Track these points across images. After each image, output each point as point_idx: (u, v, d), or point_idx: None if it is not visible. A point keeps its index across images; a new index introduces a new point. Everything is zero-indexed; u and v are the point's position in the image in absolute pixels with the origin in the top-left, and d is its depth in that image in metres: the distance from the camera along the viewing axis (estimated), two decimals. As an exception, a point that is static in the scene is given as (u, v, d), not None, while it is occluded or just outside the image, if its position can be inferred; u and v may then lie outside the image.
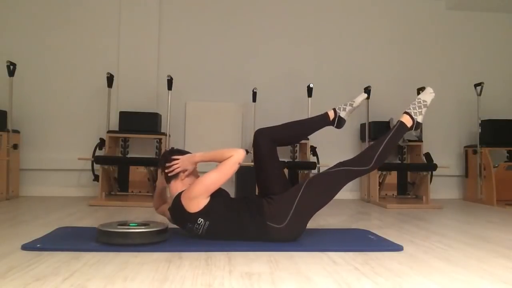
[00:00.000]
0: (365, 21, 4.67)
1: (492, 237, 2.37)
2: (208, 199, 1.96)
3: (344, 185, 2.13)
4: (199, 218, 1.93)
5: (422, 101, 2.26)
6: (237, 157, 1.97)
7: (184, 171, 2.08)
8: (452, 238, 2.32)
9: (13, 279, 1.41)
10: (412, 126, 2.23)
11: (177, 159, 2.08)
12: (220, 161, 2.00)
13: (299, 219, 2.02)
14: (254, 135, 2.24)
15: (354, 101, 2.34)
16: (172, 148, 2.27)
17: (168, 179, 2.10)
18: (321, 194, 2.08)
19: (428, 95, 2.28)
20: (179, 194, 1.98)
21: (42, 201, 3.61)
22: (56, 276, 1.45)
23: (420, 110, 2.24)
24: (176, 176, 2.08)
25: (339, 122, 2.34)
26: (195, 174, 2.13)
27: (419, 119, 2.23)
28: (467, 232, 2.50)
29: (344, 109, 2.33)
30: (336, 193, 2.12)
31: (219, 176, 1.95)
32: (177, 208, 1.97)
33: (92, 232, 2.22)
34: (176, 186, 2.07)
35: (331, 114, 2.36)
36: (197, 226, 1.95)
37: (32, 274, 1.46)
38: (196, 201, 1.92)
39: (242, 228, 1.99)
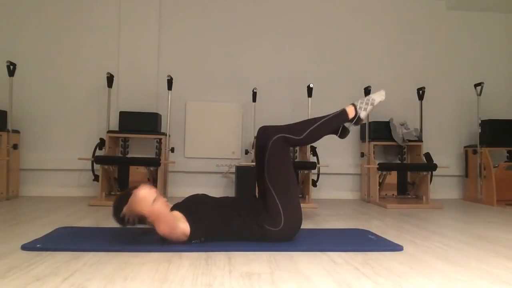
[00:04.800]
0: (365, 21, 4.67)
1: (492, 237, 2.37)
2: (187, 224, 1.87)
3: (288, 150, 2.16)
4: (193, 241, 1.91)
5: (371, 99, 2.30)
6: (145, 206, 1.75)
7: (142, 215, 1.81)
8: (452, 238, 2.32)
9: (13, 279, 1.41)
10: (352, 119, 2.25)
11: (124, 215, 1.85)
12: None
13: (292, 212, 2.02)
14: (258, 131, 2.23)
15: (369, 97, 2.35)
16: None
17: (142, 223, 1.87)
18: (283, 174, 2.07)
19: (378, 96, 2.32)
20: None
21: (42, 201, 3.61)
22: (56, 276, 1.45)
23: (366, 106, 2.27)
24: (142, 219, 1.84)
25: (343, 132, 2.33)
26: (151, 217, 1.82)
27: (362, 114, 2.26)
28: (467, 232, 2.50)
29: (360, 108, 2.33)
30: (290, 159, 2.13)
31: (162, 224, 1.80)
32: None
33: (92, 232, 2.22)
34: (154, 219, 1.82)
35: (351, 111, 2.35)
36: (195, 243, 1.91)
37: (32, 274, 1.46)
38: (179, 236, 1.84)
39: (240, 233, 1.99)
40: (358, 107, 2.26)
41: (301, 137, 2.12)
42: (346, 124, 2.28)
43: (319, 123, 2.17)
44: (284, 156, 2.11)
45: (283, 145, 2.09)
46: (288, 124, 2.18)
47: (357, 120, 2.25)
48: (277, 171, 2.06)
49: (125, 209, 1.83)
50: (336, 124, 2.25)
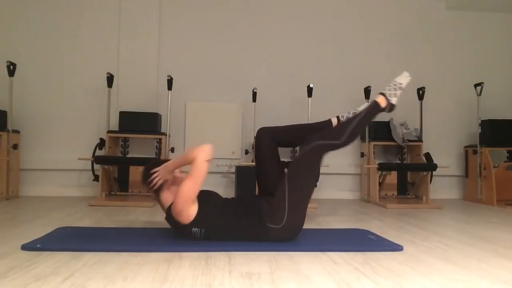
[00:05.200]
0: (365, 21, 4.67)
1: (492, 237, 2.37)
2: (196, 206, 1.94)
3: (321, 160, 2.12)
4: (193, 228, 1.93)
5: (397, 84, 2.31)
6: (202, 157, 1.90)
7: (166, 181, 2.06)
8: (452, 238, 2.32)
9: (13, 279, 1.41)
10: (386, 107, 2.27)
11: (156, 171, 2.05)
12: (189, 163, 1.94)
13: (296, 214, 2.02)
14: (257, 133, 2.25)
15: (357, 110, 2.35)
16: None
17: (156, 193, 2.08)
18: (305, 179, 2.06)
19: (404, 78, 2.32)
20: (169, 208, 1.97)
21: (42, 201, 3.61)
22: (56, 276, 1.45)
23: (395, 92, 2.28)
24: (161, 188, 2.06)
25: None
26: (178, 180, 2.08)
27: (393, 101, 2.28)
28: (467, 232, 2.50)
29: (348, 117, 2.34)
30: (318, 172, 2.12)
31: (192, 183, 1.89)
32: (171, 221, 1.98)
33: (92, 232, 2.22)
34: (166, 197, 2.06)
35: (334, 122, 2.36)
36: (194, 234, 1.95)
37: (32, 274, 1.46)
38: (184, 213, 1.90)
39: (240, 231, 2.00)
40: (387, 95, 2.28)
41: (342, 140, 2.12)
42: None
43: (356, 122, 2.17)
44: (314, 165, 2.10)
45: (320, 153, 2.09)
46: (325, 131, 2.18)
47: (390, 107, 2.28)
48: (301, 176, 2.05)
49: (161, 167, 2.02)
50: (371, 118, 2.27)
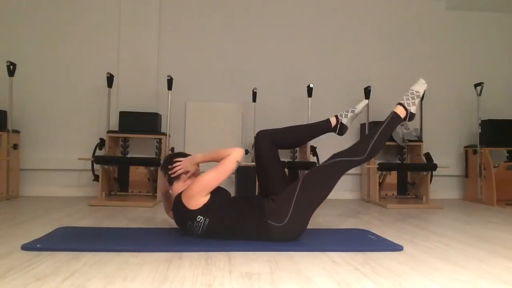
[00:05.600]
0: (365, 21, 4.67)
1: (492, 237, 2.37)
2: (208, 197, 1.99)
3: (340, 176, 2.12)
4: (199, 216, 1.95)
5: (415, 92, 2.27)
6: (235, 155, 2.02)
7: (186, 172, 2.13)
8: (452, 238, 2.32)
9: (13, 279, 1.41)
10: (406, 117, 2.24)
11: (180, 161, 2.14)
12: (219, 160, 2.04)
13: (300, 216, 2.01)
14: (255, 136, 2.26)
15: (355, 108, 2.35)
16: (174, 151, 2.29)
17: (171, 180, 2.16)
18: (319, 188, 2.06)
19: (420, 86, 2.29)
20: (180, 193, 2.03)
21: (42, 201, 3.61)
22: (56, 276, 1.45)
23: (413, 101, 2.25)
24: (178, 177, 2.14)
25: (341, 129, 2.34)
26: (196, 175, 2.16)
27: (413, 109, 2.24)
28: (467, 232, 2.50)
29: (346, 116, 2.33)
30: (333, 186, 2.11)
31: (217, 175, 1.98)
32: (178, 206, 2.00)
33: (92, 232, 2.22)
34: (178, 187, 2.13)
35: (333, 121, 2.35)
36: (197, 224, 1.96)
37: (32, 274, 1.46)
38: (196, 199, 1.95)
39: (242, 227, 1.99)
40: (406, 104, 2.24)
41: (364, 156, 2.11)
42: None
43: (377, 135, 2.16)
44: (333, 178, 2.09)
45: (341, 169, 2.10)
46: (347, 149, 2.18)
47: (410, 116, 2.25)
48: (316, 183, 2.05)
49: (186, 159, 2.13)
50: (392, 129, 2.25)
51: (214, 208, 1.98)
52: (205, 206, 1.96)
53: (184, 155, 2.20)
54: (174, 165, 2.13)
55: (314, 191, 2.04)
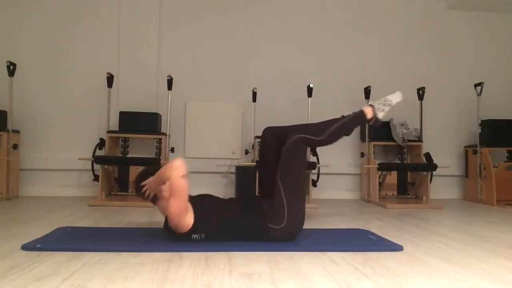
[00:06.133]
0: (365, 21, 4.67)
1: (492, 237, 2.37)
2: (192, 214, 1.91)
3: (305, 150, 2.14)
4: (193, 235, 1.92)
5: (388, 100, 2.33)
6: (174, 176, 1.81)
7: (159, 191, 1.98)
8: (452, 238, 2.32)
9: (13, 279, 1.41)
10: (370, 119, 2.29)
11: (145, 185, 2.01)
12: (167, 180, 1.87)
13: (296, 211, 2.02)
14: (262, 133, 2.26)
15: (391, 100, 2.37)
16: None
17: (153, 202, 2.04)
18: (296, 172, 2.07)
19: (396, 97, 2.36)
20: (166, 220, 1.95)
21: (42, 201, 3.61)
22: (56, 276, 1.45)
23: (383, 107, 2.30)
24: (156, 197, 2.01)
25: (375, 124, 2.36)
26: (172, 187, 1.90)
27: (380, 115, 2.30)
28: (467, 232, 2.50)
29: (383, 110, 2.35)
30: (306, 161, 2.13)
31: (176, 201, 1.83)
32: (170, 231, 1.95)
33: (92, 232, 2.22)
34: (162, 205, 2.01)
35: (369, 112, 2.36)
36: (194, 239, 1.93)
37: (32, 274, 1.46)
38: (182, 224, 1.88)
39: (241, 231, 2.00)
40: (376, 108, 2.29)
41: (322, 138, 2.13)
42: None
43: (338, 124, 2.19)
44: (301, 157, 2.11)
45: (301, 146, 2.11)
46: (306, 124, 2.21)
47: (375, 120, 2.29)
48: (290, 170, 2.06)
49: (150, 179, 1.96)
50: (355, 125, 2.29)
51: (205, 223, 1.94)
52: (194, 224, 1.90)
53: (145, 174, 2.02)
54: (143, 190, 2.00)
55: (295, 179, 2.05)
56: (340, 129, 2.19)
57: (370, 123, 2.32)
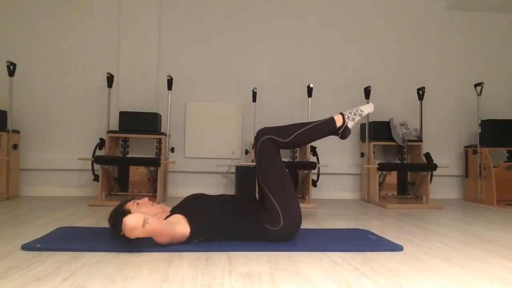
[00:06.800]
0: (365, 21, 4.67)
1: (492, 237, 2.37)
2: (186, 222, 1.90)
3: (276, 150, 2.13)
4: (193, 240, 1.91)
5: (359, 110, 2.32)
6: (135, 234, 1.70)
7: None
8: (452, 238, 2.32)
9: (13, 279, 1.41)
10: (340, 128, 2.26)
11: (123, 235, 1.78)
12: None
13: (290, 210, 2.02)
14: (256, 134, 2.25)
15: (358, 108, 2.35)
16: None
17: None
18: (276, 174, 2.07)
19: (367, 108, 2.35)
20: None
21: (42, 201, 3.61)
22: (56, 276, 1.45)
23: (354, 117, 2.29)
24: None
25: (344, 132, 2.34)
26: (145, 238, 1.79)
27: (350, 124, 2.27)
28: (467, 232, 2.50)
29: (349, 118, 2.33)
30: (280, 160, 2.13)
31: (158, 237, 1.80)
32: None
33: (92, 232, 2.22)
34: (158, 240, 1.85)
35: (338, 120, 2.34)
36: (194, 243, 1.92)
37: (32, 274, 1.46)
38: (178, 238, 1.86)
39: (239, 231, 2.00)
40: (346, 117, 2.28)
41: (287, 140, 2.13)
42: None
43: (306, 128, 2.19)
44: (273, 157, 2.11)
45: (270, 146, 2.11)
46: (278, 126, 2.19)
47: (344, 129, 2.26)
48: (268, 172, 2.08)
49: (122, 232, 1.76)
50: (323, 131, 2.26)
51: (201, 227, 1.93)
52: (192, 231, 1.89)
53: (118, 221, 1.77)
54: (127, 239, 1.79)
55: (277, 180, 2.06)
56: (306, 134, 2.18)
57: (339, 132, 2.27)
